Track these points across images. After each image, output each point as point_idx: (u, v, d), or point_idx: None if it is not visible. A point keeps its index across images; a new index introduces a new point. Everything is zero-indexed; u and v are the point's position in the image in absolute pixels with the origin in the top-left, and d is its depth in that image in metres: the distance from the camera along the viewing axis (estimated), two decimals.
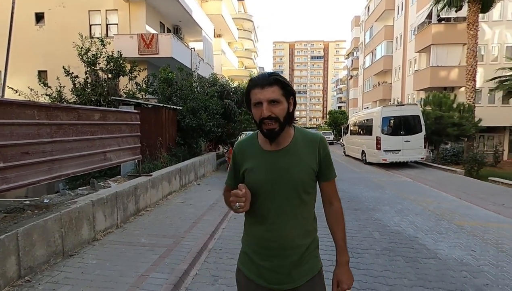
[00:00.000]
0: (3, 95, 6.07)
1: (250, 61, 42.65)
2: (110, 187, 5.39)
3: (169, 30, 16.73)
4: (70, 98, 9.80)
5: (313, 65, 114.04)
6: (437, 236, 4.32)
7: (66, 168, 3.65)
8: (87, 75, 9.83)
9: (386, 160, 11.85)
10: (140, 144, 5.62)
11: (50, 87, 9.79)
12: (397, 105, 13.78)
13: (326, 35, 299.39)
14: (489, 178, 9.07)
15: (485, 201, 6.46)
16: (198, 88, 12.21)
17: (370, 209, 5.82)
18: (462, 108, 13.36)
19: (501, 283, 2.98)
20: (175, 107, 9.60)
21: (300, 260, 1.21)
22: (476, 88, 14.36)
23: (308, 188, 1.22)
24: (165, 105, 9.13)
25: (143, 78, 11.05)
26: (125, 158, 5.10)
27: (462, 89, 16.12)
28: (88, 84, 9.78)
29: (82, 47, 9.78)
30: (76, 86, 9.68)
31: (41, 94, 9.98)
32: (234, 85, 16.95)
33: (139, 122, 5.61)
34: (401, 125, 11.93)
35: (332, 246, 1.36)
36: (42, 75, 13.78)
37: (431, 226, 4.80)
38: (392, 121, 12.10)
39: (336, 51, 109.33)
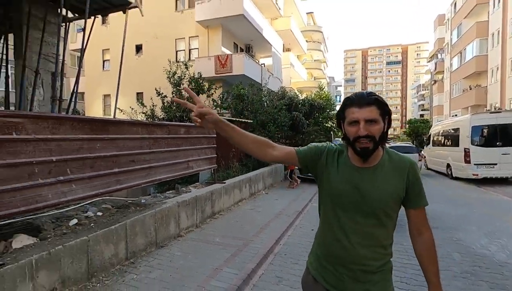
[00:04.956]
0: (114, 115, 7.58)
1: (320, 72, 42.28)
2: (190, 191, 6.18)
3: (241, 49, 18.05)
4: (160, 115, 11.46)
5: (389, 71, 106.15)
6: None
7: (159, 174, 4.44)
8: (173, 94, 11.40)
9: (478, 174, 10.33)
10: (216, 155, 6.31)
11: (145, 106, 11.66)
12: (491, 113, 11.93)
13: (404, 38, 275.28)
14: None
15: None
16: (268, 102, 12.85)
17: (452, 228, 5.26)
18: None
19: None
20: (246, 121, 10.33)
21: (366, 280, 1.18)
22: None
23: (390, 211, 1.18)
24: (237, 119, 9.92)
25: (219, 95, 12.21)
26: (204, 167, 5.81)
27: None
28: (174, 103, 11.30)
29: (169, 71, 11.41)
30: (165, 104, 11.29)
31: (139, 112, 11.95)
32: (302, 97, 17.18)
33: (215, 135, 6.32)
34: (498, 136, 10.29)
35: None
36: (139, 96, 16.42)
37: None
38: (485, 130, 10.55)
39: (417, 54, 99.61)
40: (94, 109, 18.98)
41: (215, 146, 6.36)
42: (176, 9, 16.60)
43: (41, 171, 2.75)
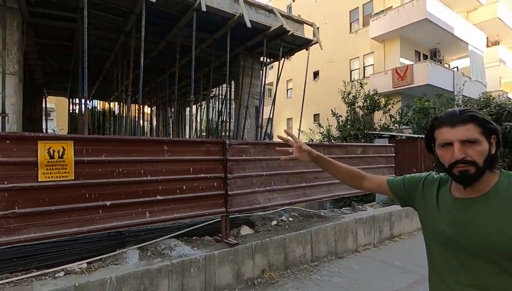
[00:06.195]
0: (298, 136, 8.88)
1: None
2: (366, 210, 6.24)
3: (425, 56, 16.06)
4: (335, 134, 12.12)
5: None
6: None
7: (338, 191, 4.89)
8: (348, 113, 11.79)
9: None
10: (395, 175, 6.07)
11: (322, 126, 12.71)
12: None
13: None
14: None
15: None
16: None
17: None
18: None
19: None
20: None
21: None
22: None
23: None
24: (420, 136, 8.93)
25: (397, 110, 11.46)
26: None
27: None
28: (348, 121, 11.67)
29: (344, 91, 11.93)
30: (340, 123, 11.86)
31: (316, 132, 13.16)
32: None
33: (394, 155, 6.11)
34: None
35: None
36: (316, 117, 18.02)
37: None
38: None
39: None
40: (279, 131, 22.45)
41: (394, 165, 6.14)
42: (350, 31, 17.18)
43: (257, 182, 3.86)
